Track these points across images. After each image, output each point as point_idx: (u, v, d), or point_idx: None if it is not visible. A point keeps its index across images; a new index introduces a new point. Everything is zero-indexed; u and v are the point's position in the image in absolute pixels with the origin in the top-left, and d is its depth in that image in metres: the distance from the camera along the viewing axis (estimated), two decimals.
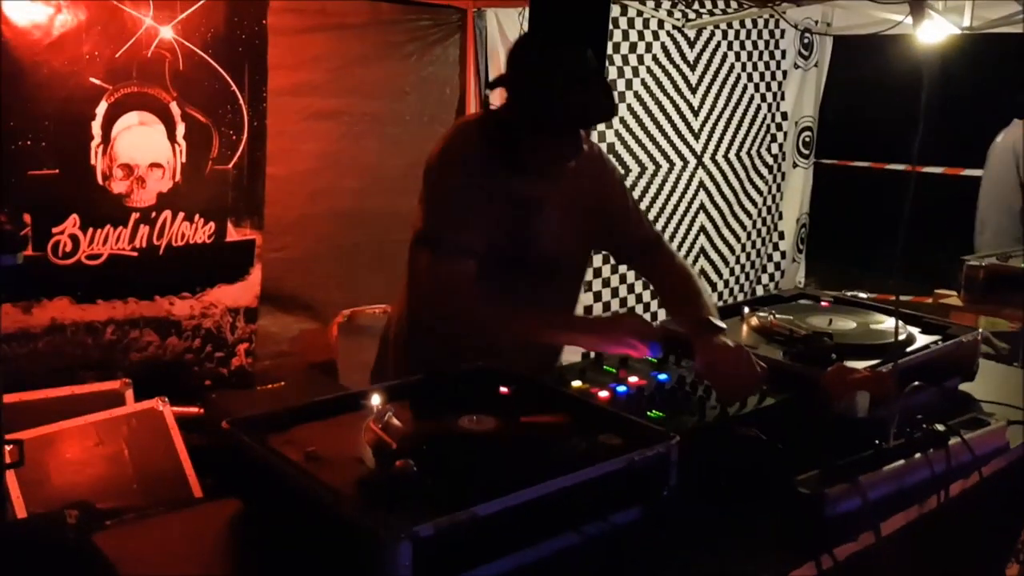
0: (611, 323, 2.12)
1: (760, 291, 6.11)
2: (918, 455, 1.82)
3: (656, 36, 5.22)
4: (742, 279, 6.10)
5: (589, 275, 5.12)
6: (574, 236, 2.33)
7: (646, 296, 5.48)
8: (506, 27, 4.45)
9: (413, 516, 1.33)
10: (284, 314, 4.33)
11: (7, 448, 2.24)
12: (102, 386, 3.47)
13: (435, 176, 2.19)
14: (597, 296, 5.20)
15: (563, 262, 2.34)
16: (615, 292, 5.29)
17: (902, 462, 1.80)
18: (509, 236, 2.20)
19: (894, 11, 4.65)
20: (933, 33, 4.50)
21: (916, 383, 1.93)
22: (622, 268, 5.30)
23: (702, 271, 5.81)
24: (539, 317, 2.16)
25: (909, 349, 2.20)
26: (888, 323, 2.34)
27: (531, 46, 2.19)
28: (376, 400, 1.70)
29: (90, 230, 3.48)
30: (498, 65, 4.45)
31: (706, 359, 1.96)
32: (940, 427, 1.88)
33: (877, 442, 1.82)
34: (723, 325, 2.06)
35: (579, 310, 5.04)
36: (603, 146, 5.06)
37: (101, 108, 3.44)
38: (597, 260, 5.14)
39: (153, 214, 3.61)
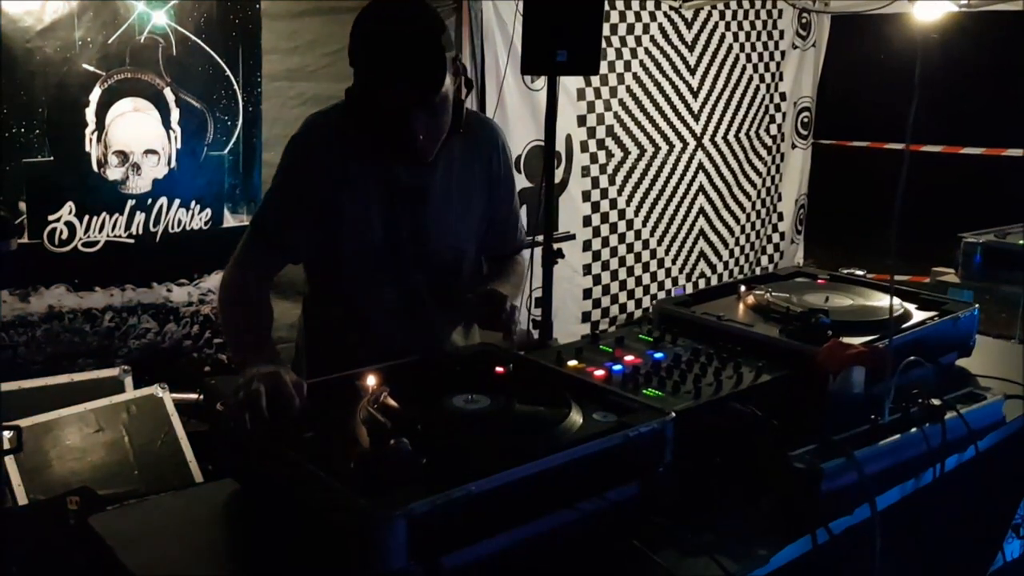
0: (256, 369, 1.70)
1: (759, 272, 6.11)
2: (914, 430, 1.82)
3: (653, 17, 5.19)
4: (741, 260, 6.09)
5: (588, 258, 5.12)
6: (458, 230, 2.15)
7: (646, 279, 5.47)
8: (502, 11, 4.43)
9: (408, 494, 1.33)
10: (283, 300, 4.28)
11: (6, 434, 2.25)
12: (101, 373, 3.48)
13: (279, 164, 2.10)
14: (596, 279, 5.19)
15: (443, 258, 2.15)
16: (615, 275, 5.29)
17: (898, 437, 1.80)
18: (387, 229, 2.06)
19: None
20: (930, 11, 4.49)
21: (912, 358, 1.92)
22: (622, 250, 5.30)
23: (702, 253, 5.81)
24: (242, 338, 2.06)
25: (905, 325, 2.20)
26: (884, 299, 2.33)
27: (367, 9, 1.94)
28: (371, 381, 1.70)
29: (86, 217, 3.48)
30: (494, 49, 4.43)
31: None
32: (936, 402, 1.88)
33: (873, 417, 1.82)
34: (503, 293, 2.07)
35: (578, 293, 5.08)
36: (602, 128, 5.05)
37: (95, 95, 3.43)
38: (596, 243, 5.14)
39: (149, 200, 3.61)
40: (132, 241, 3.60)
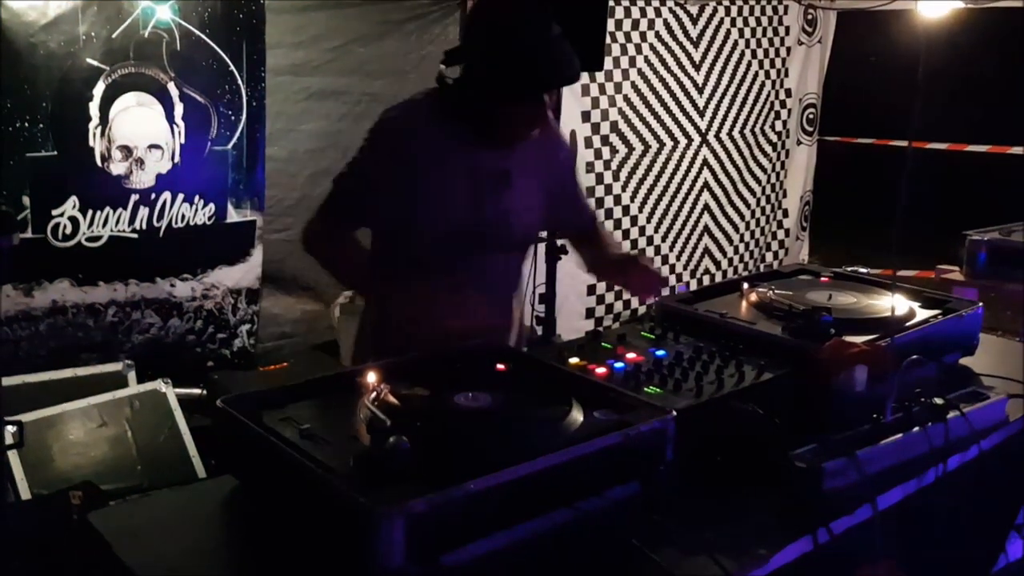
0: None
1: (763, 269, 6.09)
2: (916, 429, 1.82)
3: (658, 12, 5.17)
4: (746, 257, 6.07)
5: None
6: (532, 211, 2.27)
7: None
8: None
9: (407, 492, 1.33)
10: (286, 295, 4.33)
11: (8, 429, 2.25)
12: (104, 368, 3.48)
13: (367, 138, 2.20)
14: None
15: (519, 238, 2.29)
16: None
17: (900, 436, 1.80)
18: (468, 211, 2.16)
19: None
20: (935, 7, 4.47)
21: (915, 357, 1.92)
22: (625, 247, 5.28)
23: (706, 249, 5.80)
24: (345, 267, 2.25)
25: (908, 323, 2.19)
26: (887, 298, 2.33)
27: (493, 7, 2.08)
28: (371, 378, 1.70)
29: (90, 212, 3.48)
30: None
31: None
32: (939, 401, 1.87)
33: (875, 416, 1.81)
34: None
35: (582, 289, 5.08)
36: (606, 124, 5.04)
37: (99, 89, 3.43)
38: None
39: (153, 196, 3.61)
40: (135, 236, 3.60)
